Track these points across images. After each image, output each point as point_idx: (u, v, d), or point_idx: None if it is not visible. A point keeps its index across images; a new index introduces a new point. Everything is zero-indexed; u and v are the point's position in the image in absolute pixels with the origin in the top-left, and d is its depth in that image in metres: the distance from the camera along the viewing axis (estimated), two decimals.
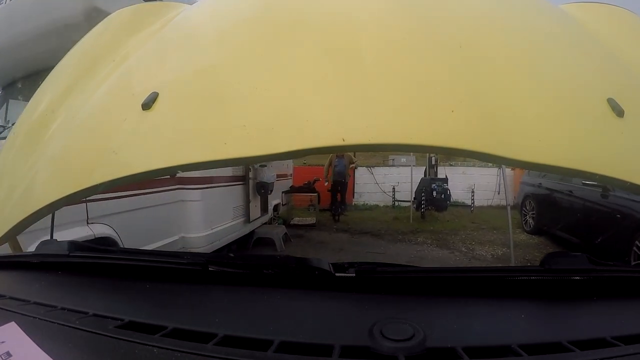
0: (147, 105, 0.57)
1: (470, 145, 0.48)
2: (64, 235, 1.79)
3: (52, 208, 0.62)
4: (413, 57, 0.56)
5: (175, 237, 2.89)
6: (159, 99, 0.57)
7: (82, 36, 2.17)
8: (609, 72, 0.65)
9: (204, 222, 3.13)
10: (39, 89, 0.90)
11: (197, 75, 0.61)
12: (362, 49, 0.57)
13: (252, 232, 4.41)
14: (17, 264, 0.76)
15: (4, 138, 2.13)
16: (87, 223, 2.09)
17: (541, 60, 0.60)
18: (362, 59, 0.56)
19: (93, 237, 2.06)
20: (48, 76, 0.90)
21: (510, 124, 0.51)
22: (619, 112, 0.52)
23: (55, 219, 1.20)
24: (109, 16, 0.96)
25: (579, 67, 0.63)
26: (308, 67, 0.57)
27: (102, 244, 1.84)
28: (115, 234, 2.26)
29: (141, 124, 0.57)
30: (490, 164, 7.85)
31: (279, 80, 0.56)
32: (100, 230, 2.16)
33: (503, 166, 4.25)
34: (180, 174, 2.58)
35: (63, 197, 0.60)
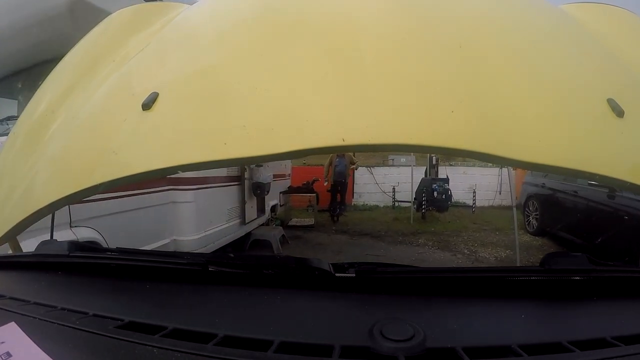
0: (147, 105, 0.57)
1: (470, 145, 0.48)
2: (44, 239, 1.70)
3: (52, 208, 0.62)
4: (413, 57, 0.56)
5: (167, 240, 2.82)
6: (159, 99, 0.57)
7: (65, 29, 2.17)
8: (608, 72, 0.65)
9: (196, 225, 3.06)
10: (39, 89, 0.90)
11: (197, 75, 0.62)
12: (362, 49, 0.57)
13: (248, 234, 4.37)
14: (17, 264, 0.76)
15: None
16: (70, 226, 1.99)
17: (541, 60, 0.60)
18: (361, 59, 0.56)
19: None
20: (48, 76, 0.90)
21: (510, 124, 0.50)
22: (619, 113, 0.52)
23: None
24: (109, 16, 0.96)
25: (578, 67, 0.63)
26: (308, 67, 0.57)
27: None
28: (101, 238, 2.16)
29: (141, 124, 0.57)
30: (491, 164, 7.85)
31: (279, 81, 0.56)
32: (84, 234, 2.05)
33: (509, 167, 4.24)
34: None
35: (63, 197, 0.60)
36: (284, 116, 0.52)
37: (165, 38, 0.76)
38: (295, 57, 0.58)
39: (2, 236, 0.69)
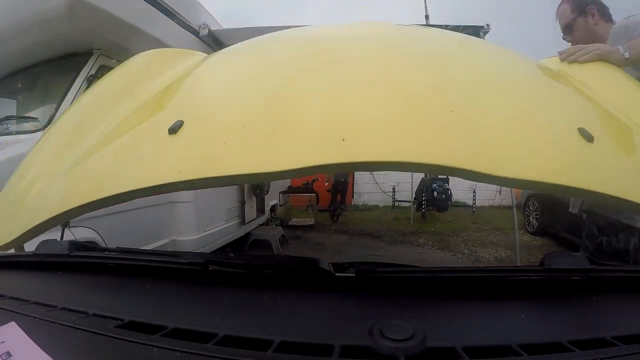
0: (174, 130, 0.66)
1: (459, 164, 0.55)
2: (42, 239, 1.69)
3: (68, 216, 0.68)
4: (414, 95, 0.65)
5: (166, 241, 2.81)
6: (184, 126, 0.67)
7: (64, 29, 2.20)
8: (580, 108, 0.79)
9: (195, 225, 3.05)
10: (75, 103, 1.04)
11: (216, 109, 0.73)
12: (367, 82, 0.68)
13: (247, 234, 4.36)
14: (17, 264, 0.76)
15: None
16: (69, 227, 1.94)
17: (523, 100, 0.73)
18: (366, 90, 0.65)
19: None
20: (86, 92, 1.07)
21: (494, 147, 0.58)
22: (589, 138, 0.62)
23: None
24: (140, 54, 1.14)
25: (553, 105, 0.76)
26: (315, 104, 0.65)
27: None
28: (99, 238, 2.15)
29: (167, 144, 0.66)
30: None
31: (296, 116, 0.63)
32: (83, 234, 2.04)
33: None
34: None
35: (83, 205, 0.66)
36: (283, 146, 0.59)
37: (191, 77, 0.90)
38: (303, 96, 0.67)
39: (18, 237, 0.73)
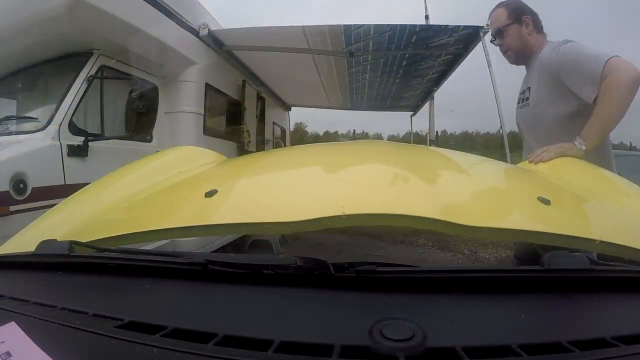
0: (210, 194, 0.86)
1: (439, 216, 0.65)
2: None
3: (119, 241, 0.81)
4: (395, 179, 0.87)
5: (166, 241, 2.83)
6: (218, 193, 0.86)
7: (65, 29, 2.50)
8: (541, 185, 1.04)
9: None
10: (138, 165, 1.36)
11: (241, 184, 1.03)
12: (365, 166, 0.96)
13: (247, 235, 4.36)
14: (17, 264, 0.76)
15: None
16: None
17: (495, 183, 1.03)
18: (357, 177, 0.88)
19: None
20: (142, 160, 1.40)
21: (470, 210, 0.73)
22: (547, 202, 0.77)
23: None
24: (180, 147, 1.70)
25: (517, 183, 1.07)
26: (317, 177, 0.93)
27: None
28: None
29: (203, 203, 0.85)
30: None
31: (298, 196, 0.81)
32: None
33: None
34: None
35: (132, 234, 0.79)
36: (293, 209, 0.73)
37: (223, 164, 1.29)
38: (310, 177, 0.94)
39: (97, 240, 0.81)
